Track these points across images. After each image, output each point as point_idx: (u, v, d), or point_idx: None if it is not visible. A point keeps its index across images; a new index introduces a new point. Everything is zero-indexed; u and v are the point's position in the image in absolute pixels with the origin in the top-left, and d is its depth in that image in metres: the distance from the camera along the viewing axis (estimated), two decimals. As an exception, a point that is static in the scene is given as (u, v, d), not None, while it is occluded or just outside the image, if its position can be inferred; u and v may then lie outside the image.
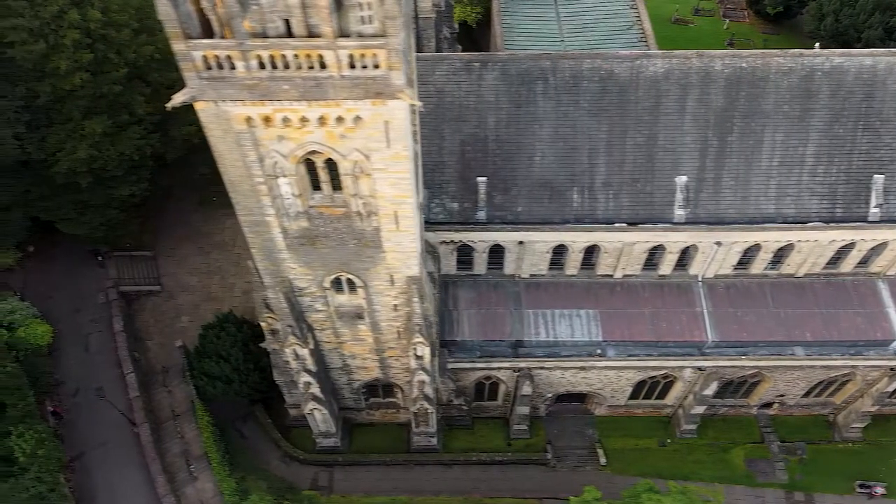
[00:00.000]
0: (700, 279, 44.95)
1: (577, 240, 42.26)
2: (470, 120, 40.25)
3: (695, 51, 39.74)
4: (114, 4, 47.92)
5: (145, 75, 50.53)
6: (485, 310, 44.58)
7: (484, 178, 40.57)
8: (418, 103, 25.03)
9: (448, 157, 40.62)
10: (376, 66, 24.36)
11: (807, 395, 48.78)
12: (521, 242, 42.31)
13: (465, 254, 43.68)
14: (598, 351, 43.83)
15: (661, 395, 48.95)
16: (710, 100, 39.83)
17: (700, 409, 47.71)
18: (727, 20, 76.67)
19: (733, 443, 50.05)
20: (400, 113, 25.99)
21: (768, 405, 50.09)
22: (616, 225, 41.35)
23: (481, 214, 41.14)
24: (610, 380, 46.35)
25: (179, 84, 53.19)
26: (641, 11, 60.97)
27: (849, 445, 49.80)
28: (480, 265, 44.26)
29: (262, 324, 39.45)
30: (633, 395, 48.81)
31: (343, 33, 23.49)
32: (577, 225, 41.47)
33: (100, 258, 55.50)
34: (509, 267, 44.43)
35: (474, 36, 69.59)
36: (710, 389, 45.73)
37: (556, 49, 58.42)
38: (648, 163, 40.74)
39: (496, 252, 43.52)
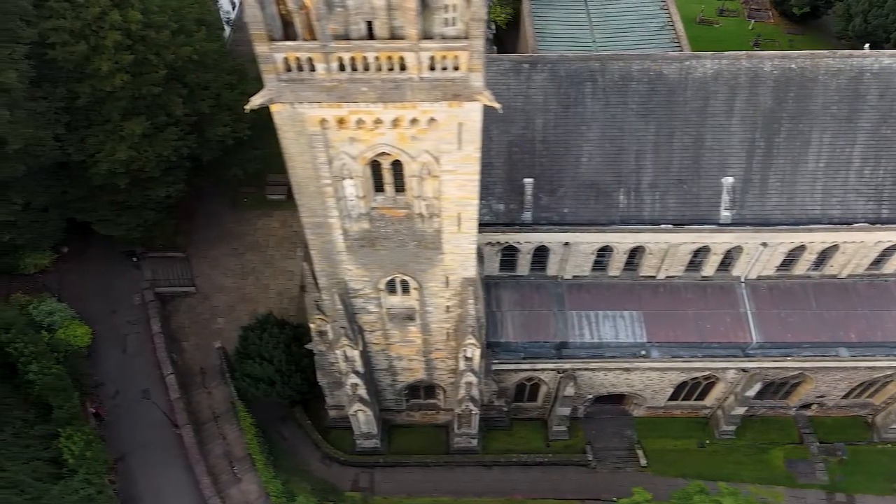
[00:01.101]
0: (743, 280, 44.88)
1: (622, 241, 42.20)
2: (517, 121, 40.15)
3: (744, 52, 39.76)
4: (153, 5, 47.91)
5: (182, 76, 50.52)
6: (528, 311, 44.51)
7: (531, 180, 40.52)
8: (497, 105, 24.96)
9: (495, 159, 40.53)
10: (456, 68, 24.34)
11: (846, 395, 48.76)
12: (566, 244, 42.26)
13: (508, 255, 43.60)
14: (643, 352, 43.80)
15: (701, 397, 48.94)
16: (759, 101, 39.75)
17: (741, 411, 47.71)
18: (752, 20, 76.67)
19: (772, 444, 50.04)
20: (475, 115, 25.98)
21: (807, 406, 50.07)
22: (662, 226, 41.34)
23: (527, 216, 41.08)
24: (652, 381, 46.33)
25: (215, 85, 53.49)
26: (673, 12, 60.84)
27: (888, 446, 49.82)
28: (524, 266, 44.19)
29: (312, 325, 39.45)
30: (673, 397, 48.81)
31: (426, 35, 23.47)
32: (623, 226, 41.43)
33: (135, 259, 55.46)
34: (552, 268, 44.37)
35: (501, 36, 69.51)
36: (753, 390, 45.70)
37: (589, 49, 58.36)
38: (695, 164, 40.70)
39: (540, 253, 43.45)
